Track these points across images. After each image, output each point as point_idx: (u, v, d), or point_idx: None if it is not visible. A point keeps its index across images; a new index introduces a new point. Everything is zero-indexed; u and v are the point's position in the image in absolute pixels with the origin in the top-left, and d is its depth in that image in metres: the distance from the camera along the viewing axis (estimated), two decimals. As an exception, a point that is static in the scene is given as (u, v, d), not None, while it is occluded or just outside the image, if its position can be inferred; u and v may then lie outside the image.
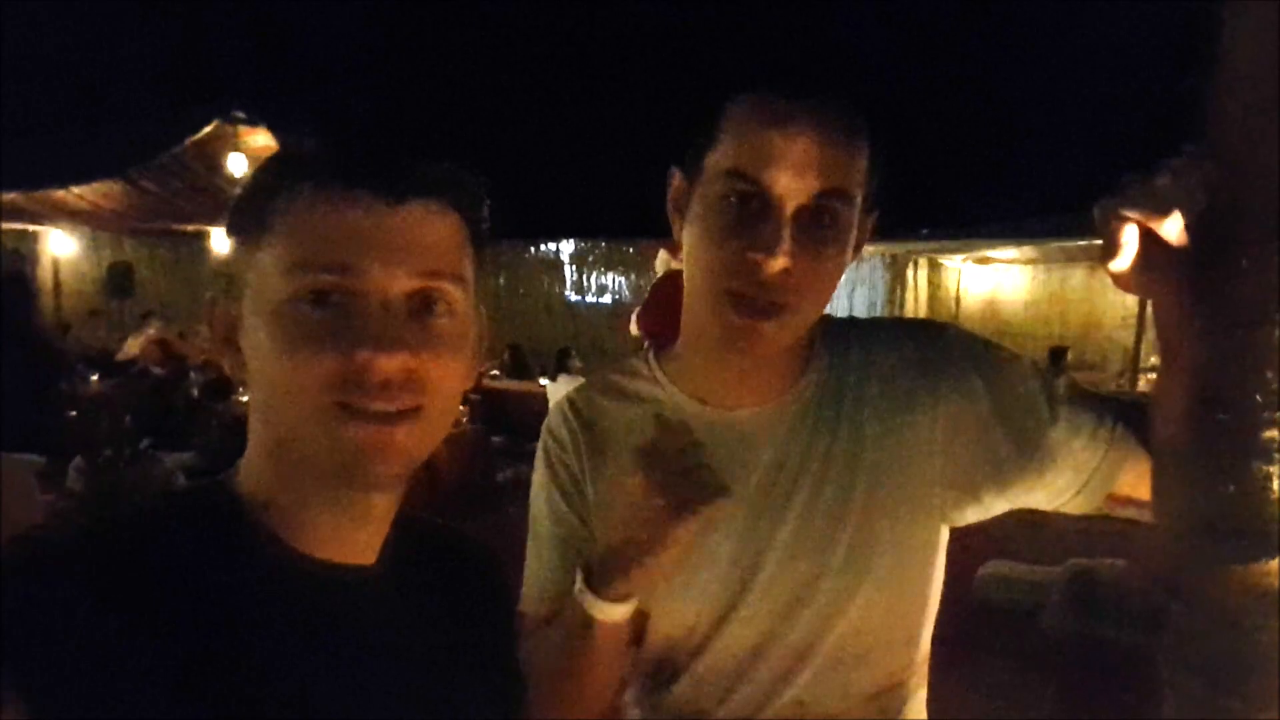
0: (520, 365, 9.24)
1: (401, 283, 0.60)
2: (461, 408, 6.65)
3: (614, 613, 0.80)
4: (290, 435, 0.61)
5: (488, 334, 0.70)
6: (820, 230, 0.77)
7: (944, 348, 0.88)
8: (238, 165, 8.59)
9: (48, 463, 3.59)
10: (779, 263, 0.75)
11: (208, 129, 8.50)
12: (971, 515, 0.87)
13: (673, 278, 7.33)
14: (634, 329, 7.29)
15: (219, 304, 0.65)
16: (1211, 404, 0.55)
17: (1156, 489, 0.60)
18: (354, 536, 0.65)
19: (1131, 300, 10.80)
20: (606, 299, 16.86)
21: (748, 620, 0.85)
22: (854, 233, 0.81)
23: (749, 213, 0.77)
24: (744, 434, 0.86)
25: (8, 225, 10.00)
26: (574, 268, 17.28)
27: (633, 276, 16.48)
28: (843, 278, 0.82)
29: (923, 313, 17.41)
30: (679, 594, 0.85)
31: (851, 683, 0.85)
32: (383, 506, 0.66)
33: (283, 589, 0.61)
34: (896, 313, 17.24)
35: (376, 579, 0.66)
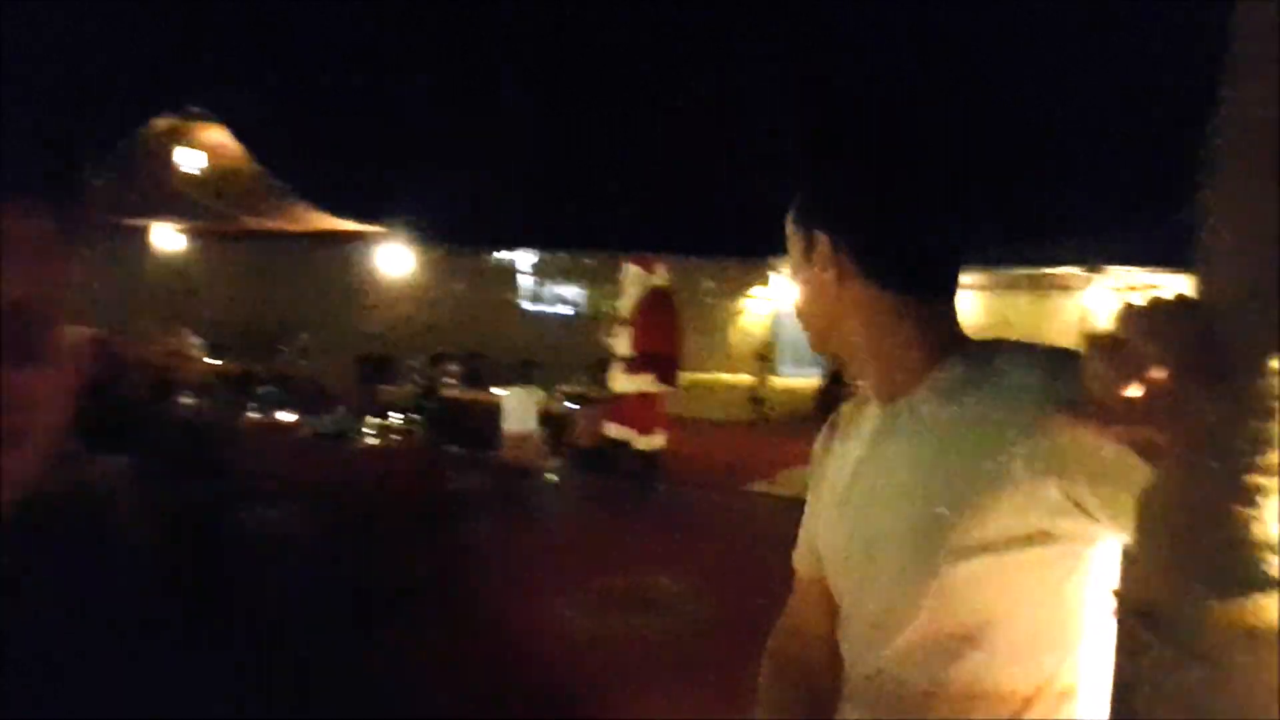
0: (475, 375, 9.16)
1: None
2: (416, 418, 6.55)
3: None
4: None
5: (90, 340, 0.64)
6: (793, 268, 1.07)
7: (1054, 376, 0.89)
8: (192, 160, 8.41)
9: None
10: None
11: (160, 122, 8.30)
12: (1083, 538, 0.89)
13: (658, 295, 7.21)
14: (625, 349, 7.11)
15: None
16: (1195, 449, 0.56)
17: (1139, 523, 0.61)
18: None
19: (1073, 327, 11.10)
20: (564, 309, 16.85)
21: (866, 593, 1.02)
22: (813, 265, 1.03)
23: None
24: (881, 425, 1.05)
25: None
26: (533, 278, 17.22)
27: (590, 288, 16.48)
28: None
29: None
30: (828, 569, 1.11)
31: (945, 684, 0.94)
32: None
33: None
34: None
35: None
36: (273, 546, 5.45)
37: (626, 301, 7.30)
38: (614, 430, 7.37)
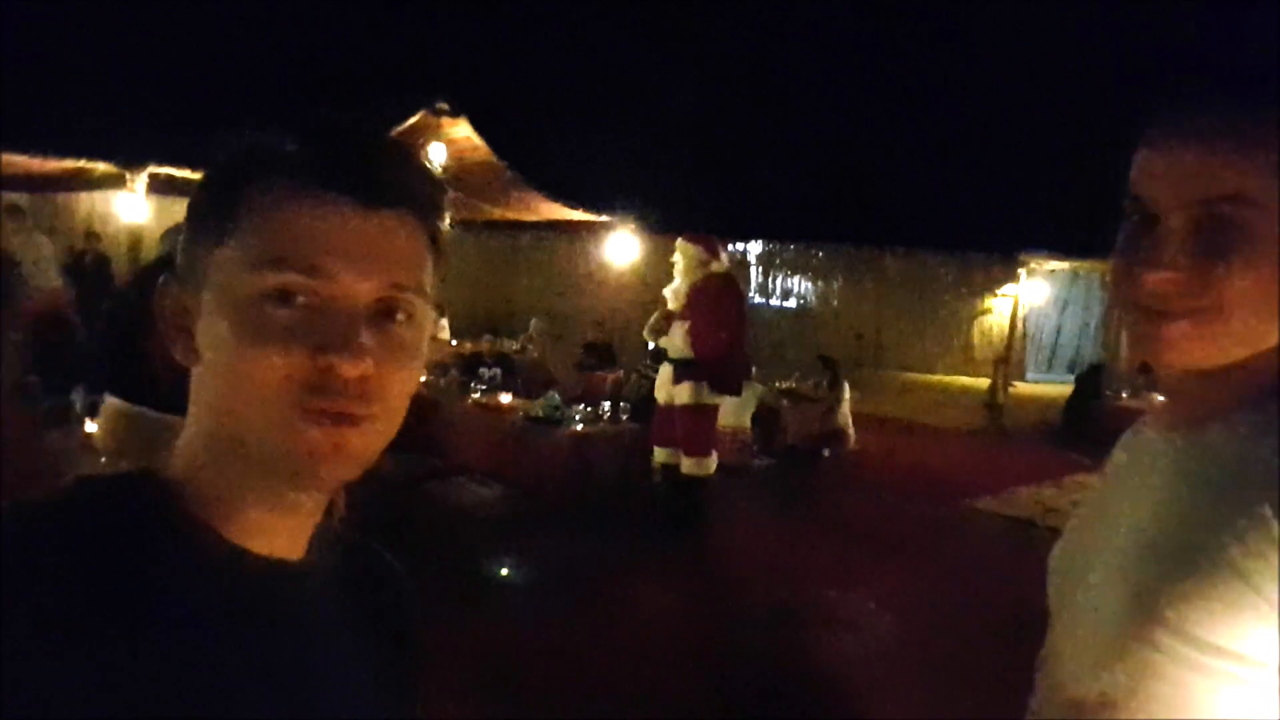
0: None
1: (369, 290, 0.61)
2: (624, 406, 6.61)
3: None
4: (243, 431, 0.61)
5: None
6: (1208, 239, 0.71)
7: None
8: (438, 155, 9.02)
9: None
10: (1163, 275, 0.72)
11: (413, 119, 8.93)
12: None
13: (718, 282, 5.96)
14: (679, 349, 5.82)
15: (171, 290, 0.65)
16: None
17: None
18: (285, 530, 0.66)
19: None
20: (789, 304, 16.60)
21: (1058, 646, 0.86)
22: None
23: (1138, 231, 0.75)
24: (1145, 454, 0.84)
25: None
26: (757, 269, 17.03)
27: (816, 282, 16.11)
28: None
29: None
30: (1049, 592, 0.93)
31: None
32: (315, 503, 0.67)
33: (216, 580, 0.61)
34: (1107, 332, 15.79)
35: (306, 574, 0.67)
36: (478, 524, 5.73)
37: (678, 290, 5.62)
38: (662, 455, 5.89)
